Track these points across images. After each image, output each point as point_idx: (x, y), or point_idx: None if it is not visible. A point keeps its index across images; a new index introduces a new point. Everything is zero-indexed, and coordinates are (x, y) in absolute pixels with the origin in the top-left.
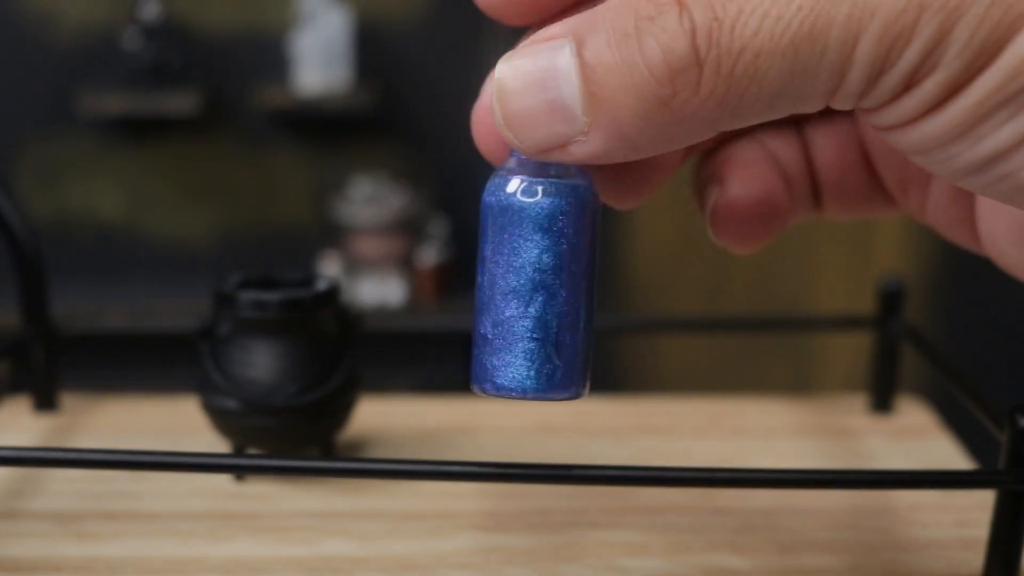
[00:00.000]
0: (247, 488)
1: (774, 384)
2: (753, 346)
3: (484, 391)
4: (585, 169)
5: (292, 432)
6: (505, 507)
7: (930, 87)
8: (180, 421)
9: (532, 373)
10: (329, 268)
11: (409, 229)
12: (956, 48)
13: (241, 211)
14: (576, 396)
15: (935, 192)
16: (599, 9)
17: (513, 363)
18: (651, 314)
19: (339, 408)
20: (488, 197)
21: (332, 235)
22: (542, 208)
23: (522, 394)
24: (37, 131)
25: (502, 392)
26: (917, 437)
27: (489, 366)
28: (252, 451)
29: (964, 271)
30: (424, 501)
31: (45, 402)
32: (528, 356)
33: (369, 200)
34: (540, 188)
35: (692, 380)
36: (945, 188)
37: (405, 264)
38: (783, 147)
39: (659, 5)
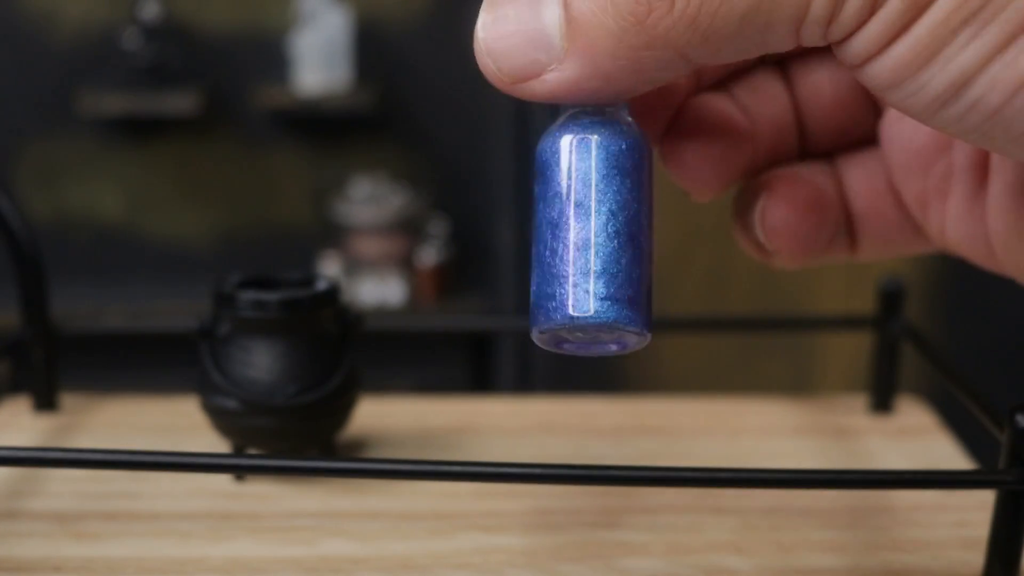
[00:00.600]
0: (247, 488)
1: (774, 384)
2: (753, 346)
3: (546, 324)
4: (635, 117)
5: (292, 432)
6: (505, 507)
7: (894, 6)
8: (180, 421)
9: (594, 299)
10: (329, 268)
11: (409, 229)
12: None
13: (241, 211)
14: (639, 329)
15: (953, 205)
16: None
17: (576, 293)
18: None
19: (339, 408)
20: (543, 146)
21: (332, 235)
22: (595, 144)
23: (585, 320)
24: (37, 131)
25: (576, 321)
26: (917, 437)
27: (552, 299)
28: (252, 451)
29: (964, 271)
30: (424, 501)
31: (45, 402)
32: (588, 285)
33: (369, 200)
34: (591, 127)
35: (692, 380)
36: (962, 199)
37: (405, 264)
38: (818, 174)
39: None
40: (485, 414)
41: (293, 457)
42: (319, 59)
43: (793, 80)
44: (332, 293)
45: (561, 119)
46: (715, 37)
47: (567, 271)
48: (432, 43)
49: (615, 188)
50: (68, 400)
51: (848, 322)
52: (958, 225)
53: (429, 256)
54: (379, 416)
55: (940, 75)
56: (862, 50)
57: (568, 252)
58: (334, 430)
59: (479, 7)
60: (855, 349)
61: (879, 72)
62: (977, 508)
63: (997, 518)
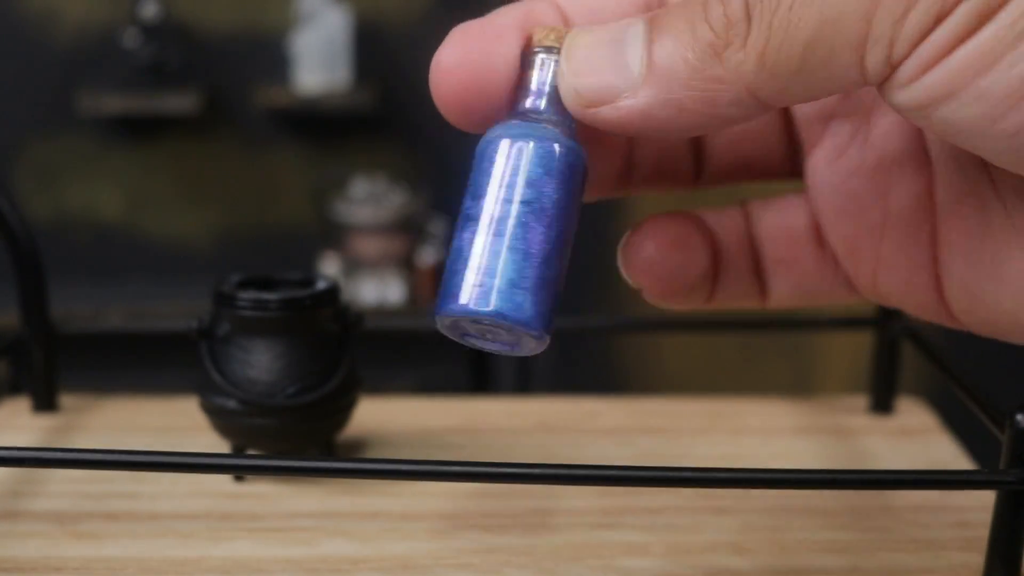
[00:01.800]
0: (247, 488)
1: (774, 384)
2: (753, 346)
3: (445, 312)
4: (576, 135)
5: (292, 432)
6: (505, 507)
7: (962, 14)
8: (180, 421)
9: (496, 295)
10: (329, 268)
11: (409, 229)
12: None
13: (241, 211)
14: (544, 337)
15: (887, 251)
16: (669, 7)
17: (481, 284)
18: (651, 314)
19: (339, 408)
20: (483, 142)
21: (332, 235)
22: (530, 148)
23: (480, 314)
24: (37, 131)
25: (474, 314)
26: (917, 437)
27: (456, 288)
28: (252, 451)
29: None
30: (424, 501)
31: (44, 402)
32: (495, 279)
33: (369, 200)
34: (530, 132)
35: (692, 380)
36: (898, 245)
37: (405, 264)
38: (724, 220)
39: None
40: (485, 414)
41: (293, 457)
42: (319, 59)
43: None
44: (332, 293)
45: (507, 119)
46: (781, 71)
47: (474, 264)
48: (432, 43)
49: (538, 193)
50: (68, 400)
51: (848, 322)
52: (892, 272)
53: (429, 256)
54: (379, 416)
55: (1001, 81)
56: (922, 60)
57: (478, 246)
58: (334, 430)
59: (479, 7)
60: (855, 349)
61: (935, 82)
62: (977, 508)
63: (997, 518)
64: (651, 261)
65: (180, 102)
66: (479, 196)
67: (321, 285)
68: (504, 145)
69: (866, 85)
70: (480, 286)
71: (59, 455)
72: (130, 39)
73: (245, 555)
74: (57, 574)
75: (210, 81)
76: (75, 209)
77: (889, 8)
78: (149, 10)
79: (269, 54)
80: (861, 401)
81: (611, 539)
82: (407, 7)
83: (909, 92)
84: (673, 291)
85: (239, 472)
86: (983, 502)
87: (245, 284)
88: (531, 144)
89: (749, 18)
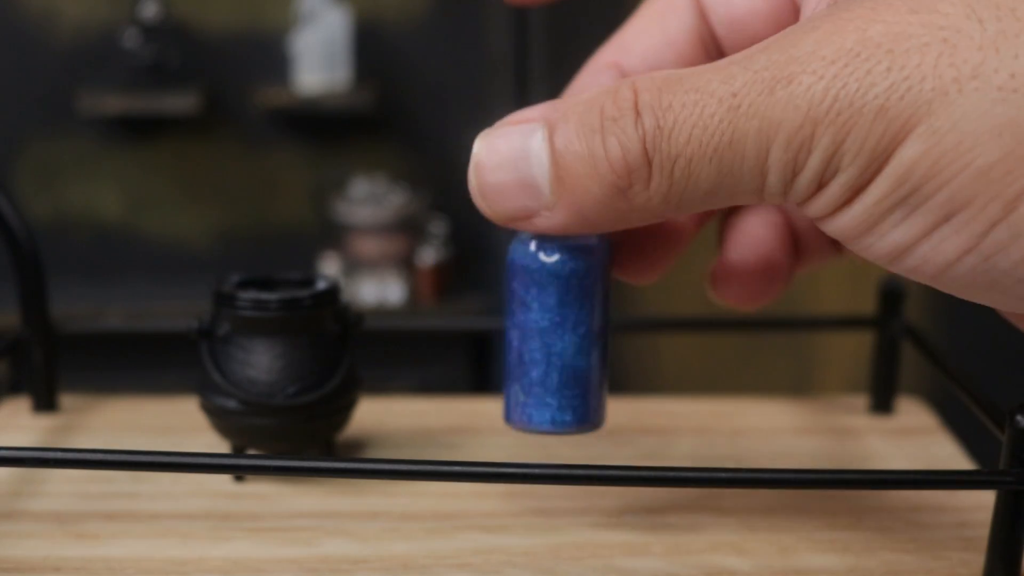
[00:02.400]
0: (247, 488)
1: (774, 384)
2: (753, 346)
3: (516, 427)
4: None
5: (292, 432)
6: (505, 507)
7: (835, 189)
8: (180, 421)
9: (559, 413)
10: (329, 268)
11: (409, 229)
12: (850, 156)
13: (241, 211)
14: (596, 427)
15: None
16: (569, 101)
17: (544, 404)
18: (651, 314)
19: (339, 408)
20: (514, 254)
21: (332, 235)
22: (560, 266)
23: (552, 429)
24: (36, 131)
25: (534, 429)
26: (917, 437)
27: (522, 406)
28: (252, 451)
29: None
30: (424, 501)
31: (44, 402)
32: (554, 398)
33: (369, 200)
34: (559, 249)
35: (692, 380)
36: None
37: (405, 264)
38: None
39: (621, 108)
40: (485, 414)
41: (293, 457)
42: (319, 59)
43: (712, 8)
44: (332, 293)
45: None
46: (686, 206)
47: (538, 383)
48: (432, 43)
49: (576, 308)
50: (68, 400)
51: (848, 322)
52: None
53: (429, 256)
54: (379, 416)
55: (879, 244)
56: (815, 213)
57: (538, 365)
58: (334, 430)
59: (478, 7)
60: (856, 350)
61: (832, 230)
62: (978, 508)
63: (998, 518)
64: (739, 279)
65: (180, 102)
66: (513, 312)
67: (321, 285)
68: (525, 263)
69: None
70: (539, 405)
71: (59, 455)
72: (130, 39)
73: (245, 555)
74: (57, 574)
75: (210, 81)
76: (75, 209)
77: (779, 172)
78: (149, 10)
79: (269, 54)
80: (861, 401)
81: (611, 539)
82: (407, 7)
83: (818, 224)
84: (760, 295)
85: (239, 472)
86: (983, 502)
87: (245, 284)
88: (550, 259)
89: (649, 164)
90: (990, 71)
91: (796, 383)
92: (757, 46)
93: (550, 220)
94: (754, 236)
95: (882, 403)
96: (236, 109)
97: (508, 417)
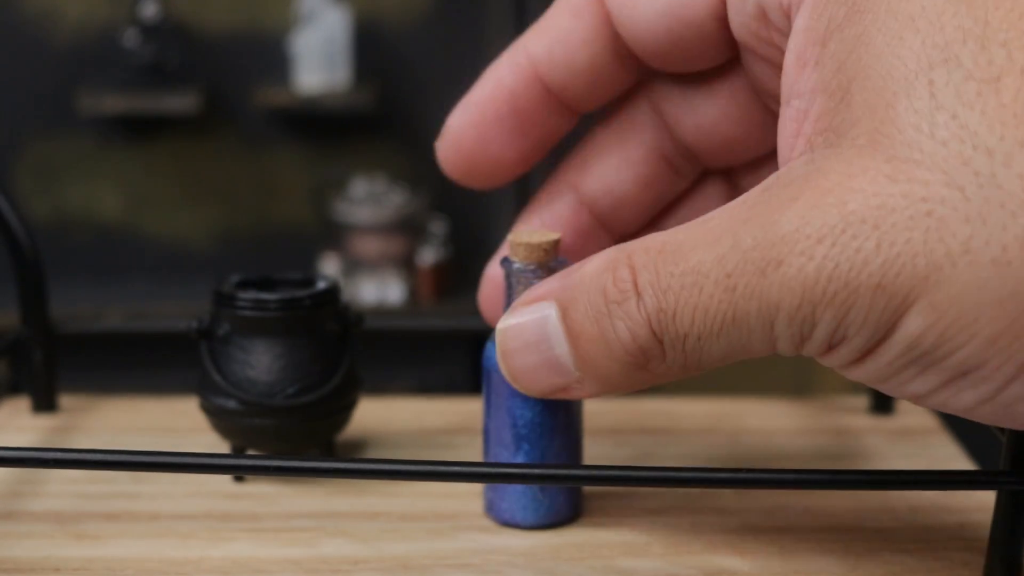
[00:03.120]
0: (247, 488)
1: (775, 385)
2: None
3: (496, 520)
4: None
5: (292, 432)
6: None
7: (845, 352)
8: (180, 421)
9: (528, 511)
10: (329, 268)
11: (409, 229)
12: (855, 328)
13: (241, 211)
14: (568, 522)
15: None
16: (575, 280)
17: (512, 502)
18: None
19: (339, 408)
20: (489, 352)
21: (332, 235)
22: None
23: (524, 525)
24: (36, 130)
25: (508, 524)
26: (918, 437)
27: (497, 502)
28: (252, 451)
29: None
30: (424, 501)
31: (44, 403)
32: (524, 498)
33: (368, 200)
34: None
35: (692, 380)
36: None
37: (405, 264)
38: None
39: (622, 291)
40: None
41: (293, 457)
42: (318, 59)
43: (677, 120)
44: (332, 293)
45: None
46: (705, 368)
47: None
48: (431, 43)
49: (547, 403)
50: (67, 401)
51: None
52: None
53: (429, 256)
54: (379, 416)
55: (899, 391)
56: (832, 366)
57: (493, 454)
58: (334, 430)
59: (478, 7)
60: None
61: (853, 378)
62: (978, 509)
63: (998, 519)
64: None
65: (180, 102)
66: (500, 410)
67: (321, 285)
68: (494, 368)
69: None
70: (516, 506)
71: (59, 455)
72: (130, 39)
73: (245, 555)
74: (57, 574)
75: (210, 81)
76: (75, 209)
77: (787, 341)
78: (149, 10)
79: (269, 54)
80: (861, 401)
81: (611, 539)
82: (407, 7)
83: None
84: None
85: (239, 472)
86: (983, 502)
87: (245, 284)
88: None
89: (660, 343)
90: (980, 244)
91: (796, 383)
92: (738, 212)
93: (583, 390)
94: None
95: (882, 403)
96: (236, 109)
97: (488, 510)
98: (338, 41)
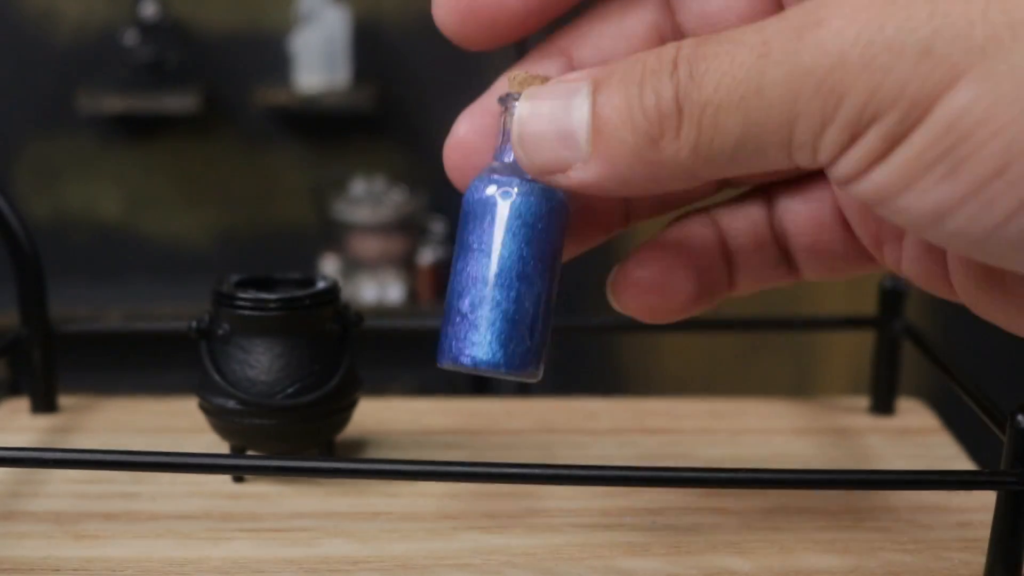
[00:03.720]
0: (247, 488)
1: (775, 385)
2: (753, 346)
3: (458, 364)
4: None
5: (292, 432)
6: (505, 507)
7: (870, 139)
8: (180, 421)
9: (507, 350)
10: (328, 268)
11: (408, 229)
12: (888, 102)
13: (241, 211)
14: (537, 377)
15: (908, 247)
16: (617, 62)
17: (490, 340)
18: None
19: (339, 408)
20: (474, 195)
21: (331, 235)
22: (517, 200)
23: (495, 369)
24: (36, 130)
25: (478, 366)
26: (918, 438)
27: (466, 342)
28: (251, 451)
29: None
30: (424, 501)
31: (44, 403)
32: (504, 335)
33: (368, 200)
34: (520, 188)
35: (692, 380)
36: (917, 242)
37: (404, 263)
38: (744, 218)
39: (662, 62)
40: (485, 414)
41: (293, 457)
42: (318, 59)
43: (682, 3)
44: (332, 293)
45: (486, 170)
46: (716, 160)
47: (463, 316)
48: (431, 43)
49: (520, 242)
50: (67, 401)
51: (849, 322)
52: (914, 264)
53: (428, 256)
54: (379, 416)
55: (918, 203)
56: (845, 172)
57: (476, 302)
58: (334, 430)
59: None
60: (856, 350)
61: (862, 192)
62: (978, 509)
63: (998, 519)
64: (638, 295)
65: (180, 102)
66: (474, 246)
67: (321, 285)
68: (493, 199)
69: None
70: (469, 340)
71: (58, 455)
72: (130, 39)
73: (245, 555)
74: (56, 574)
75: (210, 81)
76: (75, 209)
77: (808, 122)
78: (148, 10)
79: (269, 54)
80: (862, 401)
81: (611, 539)
82: (407, 7)
83: (844, 189)
84: (667, 314)
85: (239, 472)
86: (984, 502)
87: (245, 284)
88: (519, 197)
89: (680, 111)
90: None
91: (796, 383)
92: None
93: (584, 173)
94: (668, 256)
95: (883, 403)
96: (236, 109)
97: (440, 357)
98: (338, 41)
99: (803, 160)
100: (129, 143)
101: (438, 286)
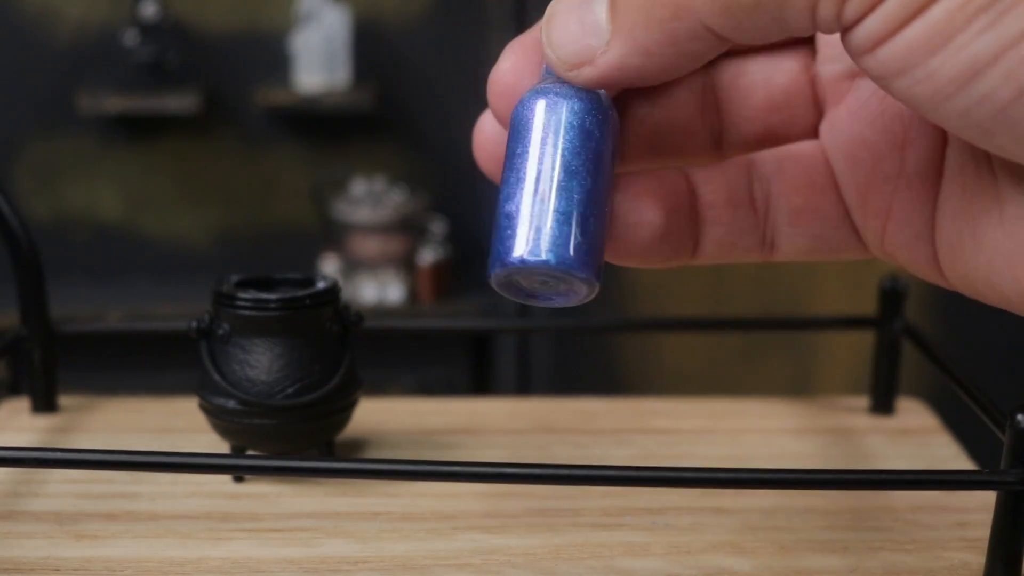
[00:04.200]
0: (247, 488)
1: (775, 385)
2: (753, 346)
3: (506, 265)
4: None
5: (292, 432)
6: (505, 507)
7: None
8: (180, 421)
9: (557, 245)
10: (329, 268)
11: (408, 229)
12: None
13: (241, 211)
14: (593, 282)
15: (898, 207)
16: None
17: (538, 236)
18: (651, 314)
19: (339, 408)
20: (519, 106)
21: (331, 235)
22: (566, 106)
23: (544, 265)
24: (36, 130)
25: (525, 263)
26: (918, 437)
27: (514, 240)
28: (251, 451)
29: None
30: (424, 501)
31: (44, 403)
32: (555, 229)
33: (368, 200)
34: (564, 91)
35: (692, 380)
36: (909, 201)
37: (404, 264)
38: (721, 174)
39: None
40: (485, 414)
41: (293, 457)
42: (318, 59)
43: (718, 83)
44: (332, 293)
45: (538, 84)
46: (735, 9)
47: (523, 219)
48: (431, 43)
49: (576, 147)
50: (67, 401)
51: (849, 322)
52: (901, 228)
53: (428, 256)
54: (379, 416)
55: (951, 62)
56: (874, 32)
57: (525, 202)
58: (334, 430)
59: (478, 7)
60: (856, 350)
61: (888, 57)
62: (978, 509)
63: (998, 519)
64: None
65: (180, 102)
66: (521, 154)
67: (321, 285)
68: (540, 106)
69: (827, 32)
70: (530, 240)
71: (59, 455)
72: (130, 39)
73: (245, 555)
74: (56, 574)
75: (210, 81)
76: (75, 209)
77: None
78: (149, 10)
79: (269, 54)
80: (861, 401)
81: (611, 539)
82: (407, 7)
83: (864, 62)
84: (631, 248)
85: (239, 472)
86: (983, 502)
87: (245, 284)
88: (565, 102)
89: None
90: None
91: (796, 383)
92: None
93: (608, 56)
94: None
95: (882, 403)
96: (236, 109)
97: (490, 269)
98: (338, 41)
99: (826, 15)
100: (129, 143)
101: (438, 286)
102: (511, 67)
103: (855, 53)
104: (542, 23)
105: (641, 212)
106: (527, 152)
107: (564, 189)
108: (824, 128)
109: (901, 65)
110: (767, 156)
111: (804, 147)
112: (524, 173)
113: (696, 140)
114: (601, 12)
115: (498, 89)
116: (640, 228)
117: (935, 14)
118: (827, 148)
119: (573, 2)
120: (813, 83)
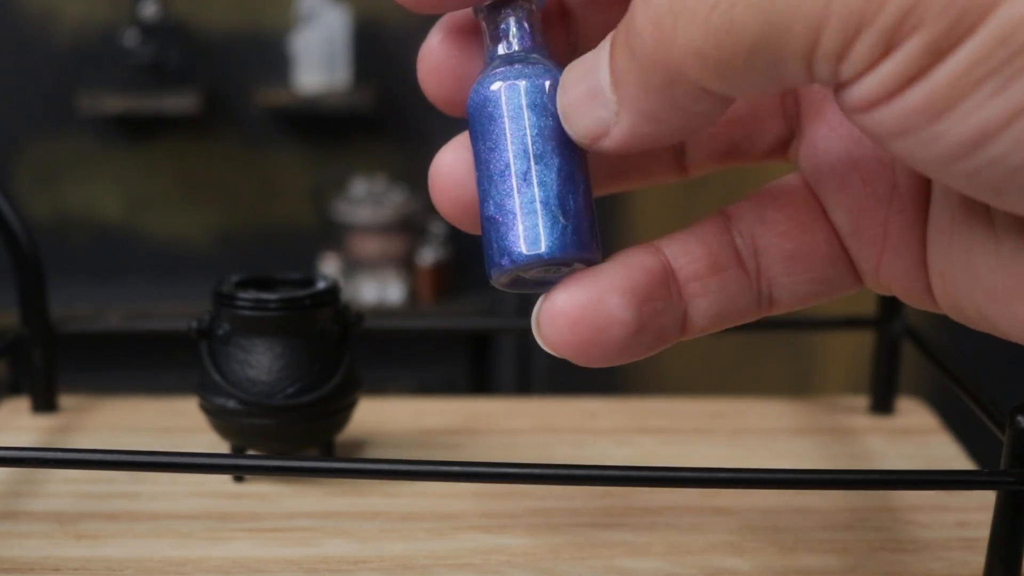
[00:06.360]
0: (247, 488)
1: (775, 385)
2: (753, 346)
3: (502, 269)
4: (556, 61)
5: (292, 432)
6: (505, 507)
7: (912, 48)
8: (180, 421)
9: (544, 234)
10: (328, 268)
11: (408, 229)
12: (936, 7)
13: (241, 211)
14: (591, 257)
15: (895, 225)
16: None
17: (525, 231)
18: None
19: (339, 408)
20: (474, 96)
21: (331, 235)
22: (523, 88)
23: (538, 257)
24: (37, 131)
25: (519, 262)
26: (918, 437)
27: (504, 243)
28: (251, 451)
29: None
30: (424, 501)
31: (44, 403)
32: (536, 221)
33: (368, 200)
34: (518, 73)
35: (692, 380)
36: (903, 225)
37: (404, 264)
38: (698, 240)
39: None
40: (485, 414)
41: (293, 457)
42: (318, 59)
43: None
44: (332, 293)
45: (487, 68)
46: (726, 70)
47: (507, 218)
48: None
49: (547, 128)
50: (67, 401)
51: (849, 322)
52: (899, 255)
53: (428, 256)
54: (379, 416)
55: (958, 128)
56: (871, 93)
57: (504, 201)
58: (334, 430)
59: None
60: (856, 350)
61: (887, 119)
62: (978, 509)
63: (998, 519)
64: (565, 327)
65: (180, 102)
66: (489, 149)
67: (321, 285)
68: (480, 98)
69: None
70: (518, 238)
71: (59, 455)
72: (130, 39)
73: (245, 555)
74: (56, 574)
75: (210, 81)
76: (75, 209)
77: (840, 23)
78: (149, 10)
79: (269, 54)
80: (861, 401)
81: (611, 539)
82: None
83: (860, 120)
84: (602, 351)
85: (239, 472)
86: (983, 502)
87: (245, 284)
88: (502, 83)
89: (675, 14)
90: None
91: (796, 383)
92: None
93: (620, 127)
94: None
95: (882, 403)
96: (236, 109)
97: (488, 275)
98: (338, 41)
99: (824, 73)
100: (129, 143)
101: (438, 286)
102: (439, 43)
103: (849, 111)
104: (558, 97)
105: (610, 312)
106: (495, 147)
107: (539, 177)
108: (803, 152)
109: (900, 128)
110: (744, 207)
111: (783, 186)
112: (493, 168)
113: (658, 159)
114: (605, 82)
115: (427, 66)
116: (611, 329)
117: (938, 77)
118: (810, 175)
119: (579, 73)
120: (782, 95)
